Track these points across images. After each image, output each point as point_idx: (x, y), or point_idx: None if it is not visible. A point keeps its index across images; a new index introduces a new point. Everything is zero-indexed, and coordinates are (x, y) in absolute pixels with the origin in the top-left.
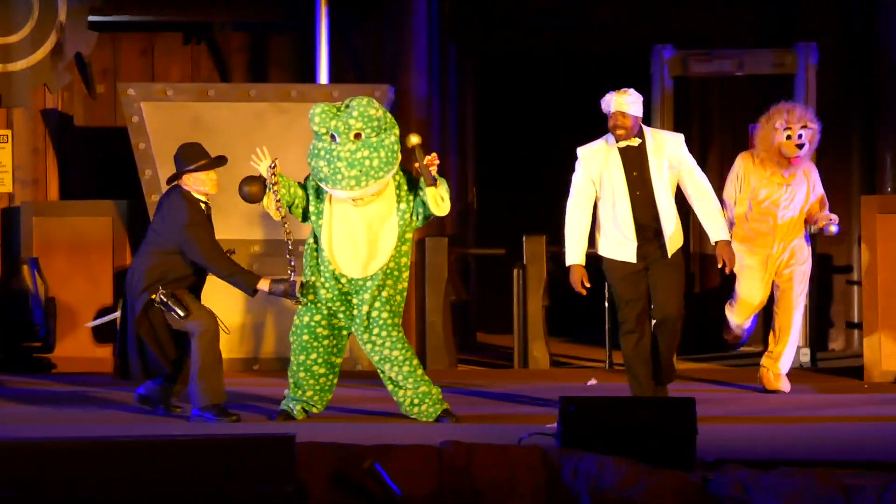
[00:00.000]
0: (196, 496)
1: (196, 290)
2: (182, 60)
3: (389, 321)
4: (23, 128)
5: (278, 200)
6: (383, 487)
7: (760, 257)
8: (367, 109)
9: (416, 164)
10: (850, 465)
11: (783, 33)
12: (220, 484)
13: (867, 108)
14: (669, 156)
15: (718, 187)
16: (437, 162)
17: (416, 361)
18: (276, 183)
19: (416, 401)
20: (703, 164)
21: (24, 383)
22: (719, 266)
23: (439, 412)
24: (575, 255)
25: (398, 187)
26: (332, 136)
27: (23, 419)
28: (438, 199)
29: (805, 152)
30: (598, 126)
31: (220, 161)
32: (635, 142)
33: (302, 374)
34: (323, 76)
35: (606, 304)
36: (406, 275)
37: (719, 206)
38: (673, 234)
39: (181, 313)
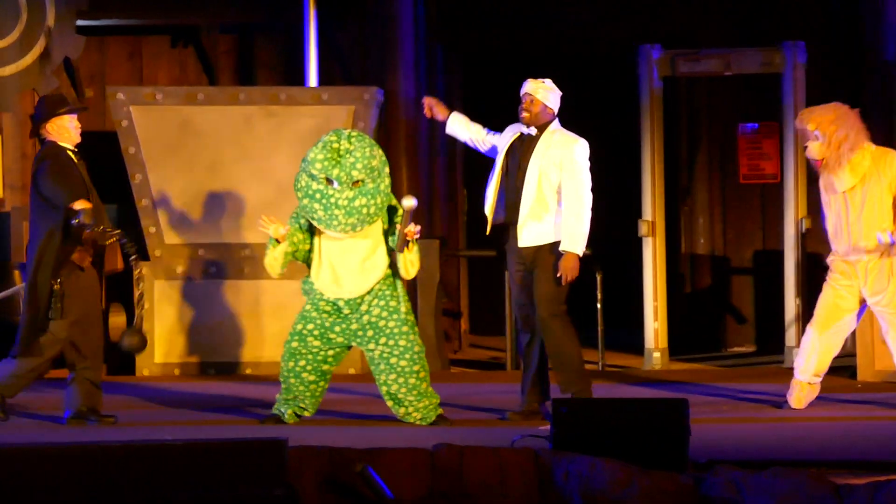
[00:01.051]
0: (187, 500)
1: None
2: (169, 64)
3: (397, 329)
4: (11, 133)
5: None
6: (375, 491)
7: None
8: (369, 161)
9: (398, 225)
10: (842, 465)
11: (770, 32)
12: (212, 488)
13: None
14: (559, 156)
15: (708, 186)
16: (418, 235)
17: (423, 373)
18: (282, 243)
19: (416, 415)
20: (691, 164)
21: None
22: (557, 275)
23: (434, 417)
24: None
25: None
26: (329, 180)
27: (13, 426)
28: (408, 265)
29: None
30: (585, 126)
31: (81, 107)
32: (533, 131)
33: (293, 380)
34: (312, 79)
35: (599, 306)
36: (401, 283)
37: (582, 219)
38: (528, 229)
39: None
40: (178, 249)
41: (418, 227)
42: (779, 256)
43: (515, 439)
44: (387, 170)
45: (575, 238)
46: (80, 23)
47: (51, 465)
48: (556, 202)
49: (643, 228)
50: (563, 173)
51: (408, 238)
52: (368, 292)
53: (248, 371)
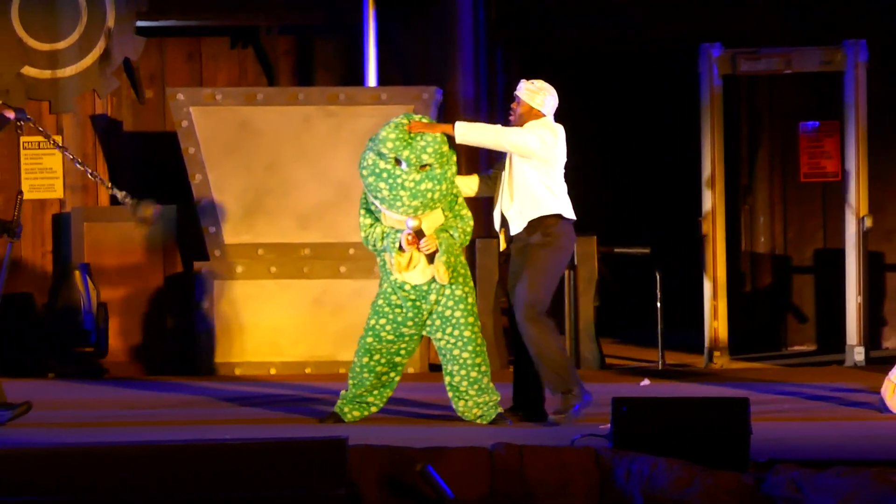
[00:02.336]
0: (249, 500)
1: None
2: (229, 65)
3: (463, 320)
4: (72, 133)
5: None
6: (435, 490)
7: None
8: (440, 146)
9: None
10: None
11: (832, 31)
12: (273, 488)
13: None
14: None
15: (769, 185)
16: (426, 250)
17: (485, 367)
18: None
19: (475, 410)
20: (752, 162)
21: (76, 388)
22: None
23: (494, 415)
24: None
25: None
26: (398, 161)
27: (75, 424)
28: (439, 274)
29: None
30: (648, 125)
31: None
32: None
33: (365, 375)
34: (371, 79)
35: (659, 305)
36: (466, 272)
37: (498, 132)
38: (517, 220)
39: None
40: (237, 249)
41: (424, 244)
42: (840, 255)
43: (575, 438)
44: (454, 158)
45: (470, 126)
46: (139, 24)
47: (112, 464)
48: (540, 194)
49: (703, 227)
50: None
51: (424, 252)
52: (432, 280)
53: (307, 370)
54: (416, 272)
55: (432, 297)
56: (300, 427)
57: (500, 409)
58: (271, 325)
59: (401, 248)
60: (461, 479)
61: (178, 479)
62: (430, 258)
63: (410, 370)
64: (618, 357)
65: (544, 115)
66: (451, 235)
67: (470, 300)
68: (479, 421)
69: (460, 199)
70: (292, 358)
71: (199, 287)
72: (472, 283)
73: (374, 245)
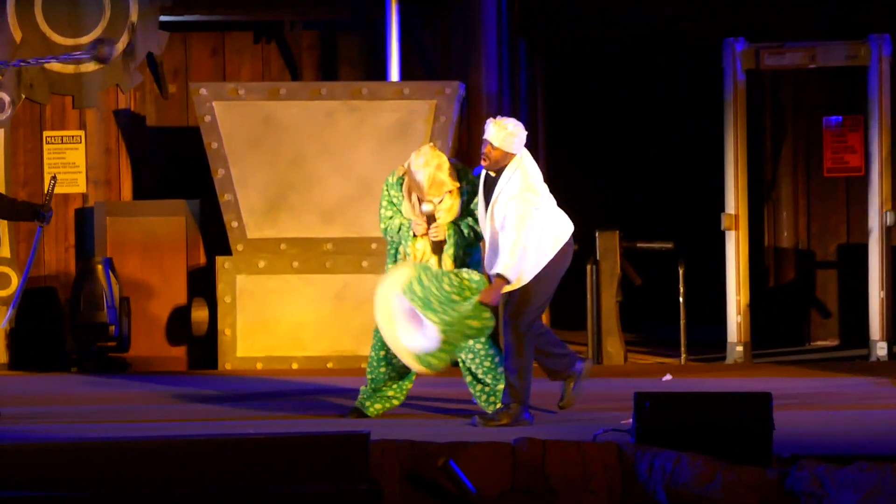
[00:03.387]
0: (271, 494)
1: None
2: (252, 59)
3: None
4: (95, 128)
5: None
6: (458, 485)
7: None
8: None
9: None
10: None
11: (856, 25)
12: (295, 482)
13: None
14: (506, 189)
15: (793, 180)
16: (436, 237)
17: (498, 358)
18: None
19: (493, 398)
20: (775, 157)
21: (98, 383)
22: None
23: None
24: None
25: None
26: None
27: (97, 419)
28: (445, 262)
29: None
30: (671, 120)
31: None
32: (493, 173)
33: (383, 369)
34: (394, 73)
35: (681, 300)
36: (477, 264)
37: (517, 245)
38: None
39: None
40: (260, 244)
41: (433, 230)
42: (863, 250)
43: (598, 433)
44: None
45: (508, 263)
46: (163, 18)
47: (134, 459)
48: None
49: (726, 222)
50: (508, 209)
51: (432, 238)
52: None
53: (329, 365)
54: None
55: None
56: (322, 422)
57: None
58: (293, 320)
59: (414, 235)
60: (483, 474)
61: (200, 474)
62: (440, 249)
63: None
64: (640, 352)
65: (516, 154)
66: (461, 230)
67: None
68: None
69: (476, 200)
70: (314, 353)
71: (222, 282)
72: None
73: (392, 237)
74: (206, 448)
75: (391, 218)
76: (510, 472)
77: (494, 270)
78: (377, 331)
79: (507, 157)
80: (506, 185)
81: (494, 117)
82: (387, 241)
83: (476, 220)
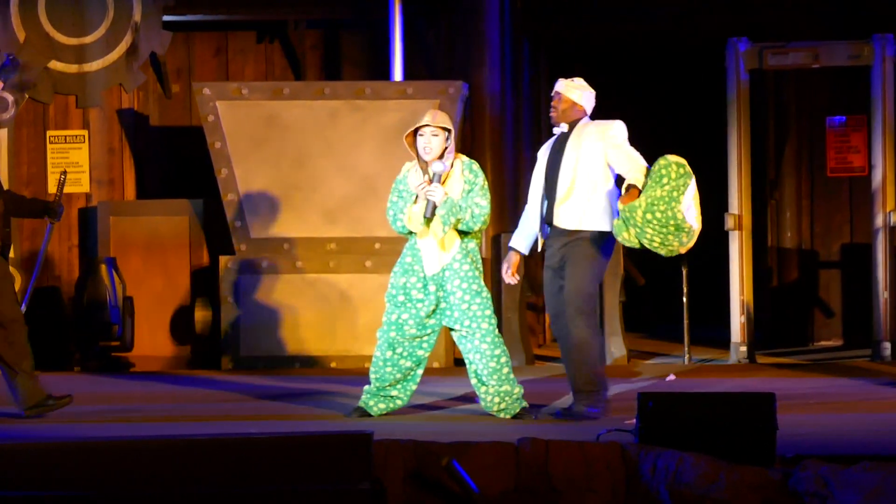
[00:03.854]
0: (274, 494)
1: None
2: (256, 59)
3: (479, 312)
4: (98, 128)
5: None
6: (461, 485)
7: None
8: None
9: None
10: None
11: (860, 25)
12: (298, 482)
13: None
14: (594, 145)
15: (796, 180)
16: (431, 194)
17: (504, 359)
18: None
19: (496, 399)
20: (778, 157)
21: (102, 382)
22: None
23: (518, 409)
24: (514, 239)
25: (468, 188)
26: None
27: (100, 418)
28: (433, 230)
29: None
30: (675, 119)
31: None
32: (565, 127)
33: (388, 369)
34: (397, 73)
35: (685, 300)
36: (480, 267)
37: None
38: (563, 211)
39: None
40: (263, 243)
41: (433, 186)
42: (867, 250)
43: (601, 433)
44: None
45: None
46: (166, 18)
47: (137, 458)
48: (593, 192)
49: (729, 222)
50: (609, 154)
51: (426, 196)
52: (452, 272)
53: (333, 364)
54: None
55: (448, 287)
56: (325, 421)
57: (524, 404)
58: (296, 320)
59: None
60: (487, 474)
61: (203, 474)
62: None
63: (436, 364)
64: (644, 352)
65: (586, 112)
66: (458, 204)
67: (485, 294)
68: (502, 414)
69: (479, 189)
70: (317, 352)
71: (225, 281)
72: (481, 275)
73: (398, 219)
74: (209, 448)
75: (395, 202)
76: (513, 472)
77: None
78: (384, 331)
79: (576, 109)
80: (596, 137)
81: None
82: (399, 233)
83: (480, 206)
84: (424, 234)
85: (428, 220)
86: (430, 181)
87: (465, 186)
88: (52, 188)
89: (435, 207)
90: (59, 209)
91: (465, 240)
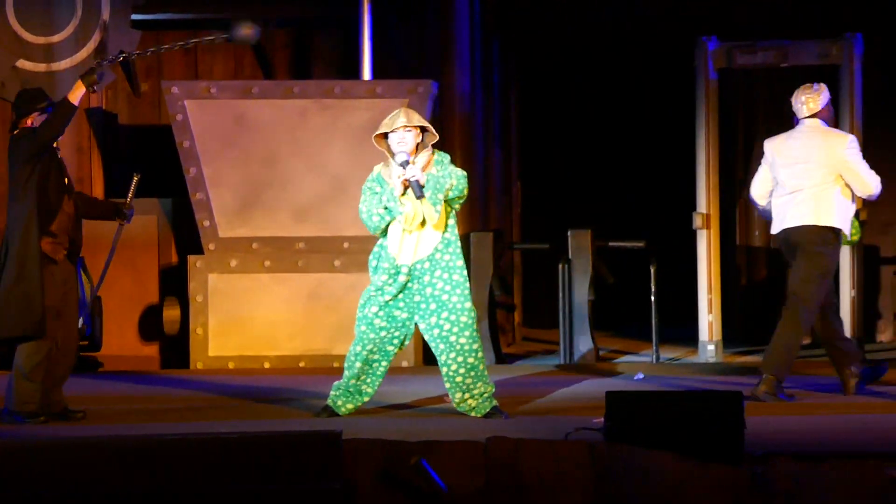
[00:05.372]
0: (243, 493)
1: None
2: (225, 58)
3: (459, 305)
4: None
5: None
6: (430, 483)
7: None
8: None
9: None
10: None
11: (829, 24)
12: (268, 481)
13: None
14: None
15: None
16: (410, 179)
17: (480, 354)
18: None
19: (466, 396)
20: (747, 156)
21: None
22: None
23: (489, 409)
24: None
25: (436, 163)
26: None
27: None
28: (407, 219)
29: None
30: (644, 118)
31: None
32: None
33: (359, 364)
34: (366, 72)
35: (653, 298)
36: (459, 255)
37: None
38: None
39: None
40: (232, 243)
41: (410, 170)
42: None
43: (570, 432)
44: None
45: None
46: (135, 17)
47: (106, 457)
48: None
49: (698, 221)
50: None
51: (407, 179)
52: (433, 262)
53: (302, 364)
54: (416, 222)
55: (426, 279)
56: (294, 421)
57: (494, 402)
58: (266, 319)
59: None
60: (456, 473)
61: (172, 473)
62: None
63: (405, 363)
64: (612, 350)
65: (828, 114)
66: (438, 177)
67: (466, 286)
68: (472, 413)
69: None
70: (287, 352)
71: (194, 281)
72: (464, 267)
73: (372, 216)
74: (179, 447)
75: (369, 199)
76: (483, 471)
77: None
78: (357, 325)
79: (822, 112)
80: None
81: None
82: (372, 233)
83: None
84: (416, 228)
85: (420, 204)
86: (404, 167)
87: (436, 168)
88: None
89: (422, 186)
90: (129, 212)
91: (453, 224)
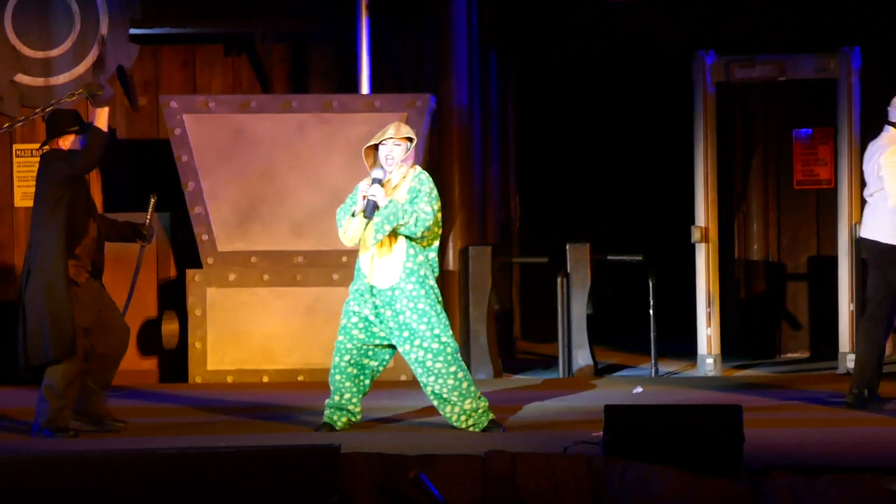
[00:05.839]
0: None
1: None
2: (223, 72)
3: (428, 333)
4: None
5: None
6: (428, 497)
7: None
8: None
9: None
10: None
11: (827, 38)
12: (266, 495)
13: None
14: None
15: (763, 192)
16: (369, 199)
17: (461, 373)
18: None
19: (462, 416)
20: (745, 169)
21: None
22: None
23: (486, 423)
24: None
25: (412, 196)
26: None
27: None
28: (381, 229)
29: None
30: (642, 132)
31: (90, 124)
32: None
33: (338, 377)
34: (364, 86)
35: (651, 312)
36: (431, 283)
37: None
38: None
39: None
40: (230, 257)
41: (366, 197)
42: (834, 262)
43: (568, 446)
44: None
45: None
46: (133, 31)
47: (105, 472)
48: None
49: (696, 234)
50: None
51: (366, 195)
52: (399, 291)
53: (300, 378)
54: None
55: (397, 306)
56: (293, 435)
57: (491, 416)
58: (264, 333)
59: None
60: (454, 487)
61: (171, 487)
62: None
63: (403, 377)
64: (611, 364)
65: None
66: (403, 207)
67: (433, 313)
68: (471, 429)
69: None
70: (285, 366)
71: (193, 295)
72: (438, 295)
73: (339, 221)
74: (176, 461)
75: (343, 208)
76: (481, 485)
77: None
78: (339, 339)
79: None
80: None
81: None
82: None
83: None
84: (365, 249)
85: (366, 223)
86: (372, 183)
87: (408, 196)
88: (18, 201)
89: (375, 208)
90: (150, 233)
91: (414, 254)
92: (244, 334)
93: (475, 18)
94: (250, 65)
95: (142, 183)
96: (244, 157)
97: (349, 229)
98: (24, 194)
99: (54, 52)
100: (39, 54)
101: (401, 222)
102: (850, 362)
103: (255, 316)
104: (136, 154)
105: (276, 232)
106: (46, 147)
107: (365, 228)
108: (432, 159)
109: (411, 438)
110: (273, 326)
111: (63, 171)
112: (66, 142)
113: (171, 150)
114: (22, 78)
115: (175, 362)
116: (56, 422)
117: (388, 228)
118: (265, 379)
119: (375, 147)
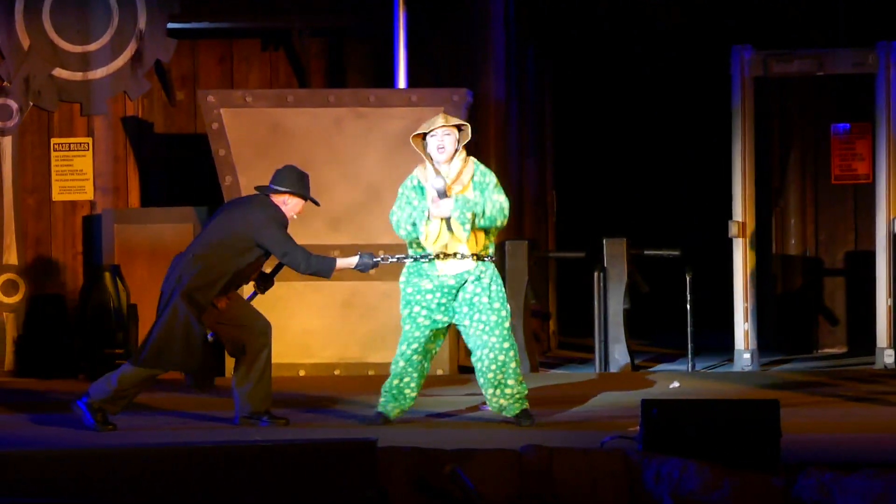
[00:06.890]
0: (278, 502)
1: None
2: (260, 67)
3: (488, 304)
4: (103, 136)
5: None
6: (464, 492)
7: None
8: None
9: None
10: None
11: (865, 32)
12: (303, 489)
13: None
14: None
15: (801, 187)
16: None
17: (513, 353)
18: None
19: (498, 392)
20: (783, 164)
21: None
22: None
23: (519, 410)
24: None
25: (477, 185)
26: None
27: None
28: (465, 222)
29: None
30: (680, 127)
31: (315, 201)
32: None
33: (402, 363)
34: (401, 81)
35: (688, 307)
36: (492, 263)
37: None
38: None
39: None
40: None
41: (434, 205)
42: (871, 257)
43: (605, 440)
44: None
45: None
46: (171, 26)
47: (143, 466)
48: None
49: (734, 229)
50: None
51: (435, 214)
52: (468, 274)
53: (337, 372)
54: (439, 244)
55: (468, 287)
56: (330, 429)
57: (525, 405)
58: (301, 327)
59: (429, 218)
60: (490, 481)
61: (207, 482)
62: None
63: (440, 372)
64: (648, 359)
65: None
66: (473, 201)
67: (494, 288)
68: (503, 413)
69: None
70: (322, 360)
71: None
72: (496, 270)
73: (403, 228)
74: (214, 456)
75: (402, 209)
76: (517, 479)
77: None
78: (402, 325)
79: None
80: None
81: None
82: (404, 239)
83: (490, 212)
84: (433, 242)
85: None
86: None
87: (476, 192)
88: (56, 195)
89: (449, 218)
90: (266, 287)
91: (484, 255)
92: (281, 328)
93: (512, 14)
94: (287, 59)
95: (179, 177)
96: (281, 151)
97: (430, 233)
98: (61, 188)
99: (92, 47)
100: (78, 49)
101: (475, 211)
102: (887, 358)
103: (291, 310)
104: (174, 148)
105: (312, 226)
106: (265, 195)
107: (443, 228)
108: (469, 154)
109: (448, 433)
110: (310, 321)
111: (274, 236)
112: (286, 200)
113: (209, 144)
114: (60, 72)
115: (211, 355)
116: (105, 405)
117: (467, 220)
118: (301, 373)
119: (423, 136)
